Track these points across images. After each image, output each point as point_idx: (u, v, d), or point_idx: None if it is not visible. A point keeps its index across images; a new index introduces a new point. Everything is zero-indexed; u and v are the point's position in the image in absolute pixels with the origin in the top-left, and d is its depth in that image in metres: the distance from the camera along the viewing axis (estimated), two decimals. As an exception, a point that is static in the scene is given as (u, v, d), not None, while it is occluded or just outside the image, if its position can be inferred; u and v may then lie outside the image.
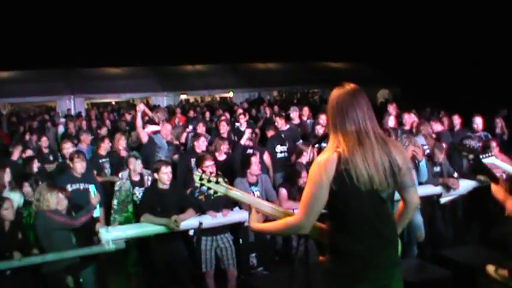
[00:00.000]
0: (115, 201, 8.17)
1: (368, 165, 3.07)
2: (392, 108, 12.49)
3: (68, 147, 9.21)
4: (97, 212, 7.59)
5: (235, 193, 3.67)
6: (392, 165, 3.15)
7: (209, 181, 3.60)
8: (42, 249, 6.74)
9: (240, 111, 14.71)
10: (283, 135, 11.02)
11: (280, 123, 11.37)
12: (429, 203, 8.24)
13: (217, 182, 3.60)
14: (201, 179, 3.61)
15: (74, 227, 6.70)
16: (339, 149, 3.11)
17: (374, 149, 3.12)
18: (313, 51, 32.03)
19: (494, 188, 5.52)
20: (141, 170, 8.44)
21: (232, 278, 7.37)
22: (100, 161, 9.78)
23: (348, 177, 3.06)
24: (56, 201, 6.64)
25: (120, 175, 8.53)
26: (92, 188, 7.28)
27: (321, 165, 3.13)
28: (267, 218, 3.61)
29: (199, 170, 7.37)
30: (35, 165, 8.92)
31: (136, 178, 8.32)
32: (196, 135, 10.06)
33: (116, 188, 8.28)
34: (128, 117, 16.96)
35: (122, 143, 10.14)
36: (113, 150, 10.11)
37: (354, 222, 3.16)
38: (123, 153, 9.96)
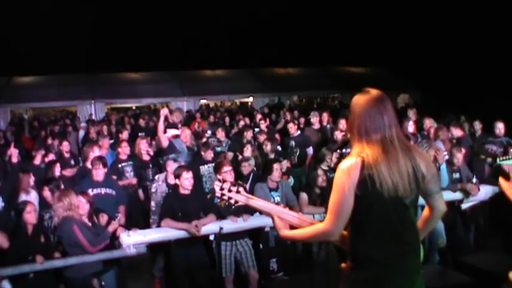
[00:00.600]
0: (153, 203, 8.30)
1: (392, 172, 3.06)
2: (412, 113, 12.42)
3: (95, 152, 9.24)
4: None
5: (256, 202, 3.65)
6: (416, 172, 3.14)
7: (229, 191, 3.60)
8: (63, 253, 6.82)
9: (260, 116, 14.69)
10: (293, 142, 11.02)
11: (293, 129, 11.34)
12: (450, 209, 8.17)
13: (237, 192, 3.60)
14: (221, 189, 3.61)
15: (89, 252, 6.62)
16: (363, 154, 3.11)
17: (398, 156, 3.11)
18: (333, 56, 31.91)
19: (501, 181, 5.46)
20: None
21: (253, 281, 7.37)
22: (120, 165, 9.82)
23: (372, 182, 3.05)
24: (78, 205, 6.72)
25: (156, 177, 8.63)
26: (117, 218, 7.25)
27: (344, 171, 3.12)
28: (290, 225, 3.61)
29: (219, 176, 7.40)
30: (57, 170, 9.00)
31: (172, 181, 8.37)
32: (205, 145, 10.17)
33: (153, 190, 8.40)
34: (142, 122, 16.94)
35: (143, 147, 10.15)
36: (134, 154, 10.15)
37: (376, 228, 3.15)
38: (146, 157, 10.04)
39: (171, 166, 8.45)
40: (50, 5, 31.14)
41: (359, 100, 3.27)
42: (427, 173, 3.19)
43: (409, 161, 3.13)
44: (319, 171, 7.93)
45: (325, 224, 3.23)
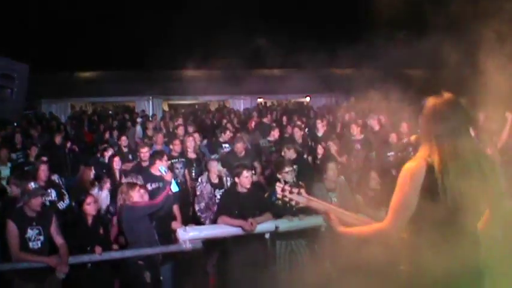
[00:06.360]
0: (201, 205, 8.37)
1: (461, 180, 2.98)
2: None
3: (145, 151, 9.37)
4: (175, 187, 7.69)
5: (316, 203, 3.68)
6: (484, 178, 3.05)
7: (291, 192, 3.62)
8: (121, 245, 6.99)
9: (318, 119, 14.51)
10: (358, 145, 10.84)
11: (357, 131, 11.19)
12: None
13: (299, 193, 3.63)
14: (283, 190, 3.63)
15: (157, 207, 6.92)
16: (429, 159, 3.04)
17: (470, 164, 3.04)
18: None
19: None
20: (220, 172, 8.54)
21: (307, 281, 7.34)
22: (170, 161, 9.78)
23: (435, 189, 2.99)
24: (137, 195, 6.85)
25: (199, 179, 8.68)
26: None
27: (407, 172, 3.08)
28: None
29: (279, 175, 7.42)
30: (116, 163, 9.17)
31: (215, 180, 8.43)
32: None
33: (198, 192, 8.48)
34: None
35: (189, 144, 10.22)
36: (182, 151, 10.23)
37: (436, 234, 3.07)
38: (191, 155, 10.15)
39: (214, 167, 8.53)
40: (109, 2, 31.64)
41: (432, 102, 3.21)
42: (491, 177, 3.11)
43: (479, 167, 3.06)
44: (373, 174, 7.84)
45: (384, 223, 3.19)
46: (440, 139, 3.09)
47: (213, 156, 9.50)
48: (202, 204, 8.28)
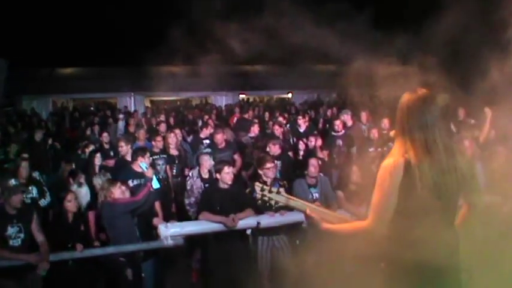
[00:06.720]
0: (190, 200, 8.32)
1: (435, 173, 3.03)
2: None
3: (122, 145, 9.31)
4: (156, 184, 7.71)
5: (296, 203, 3.67)
6: (458, 172, 3.10)
7: (270, 192, 3.62)
8: (103, 242, 6.96)
9: (299, 115, 14.54)
10: (340, 141, 10.89)
11: (340, 127, 11.23)
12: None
13: (278, 192, 3.62)
14: (262, 189, 3.63)
15: (138, 203, 6.92)
16: (406, 155, 3.08)
17: (441, 157, 3.07)
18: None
19: None
20: (210, 167, 8.52)
21: (289, 277, 7.35)
22: (152, 158, 9.74)
23: (414, 184, 3.02)
24: (119, 191, 6.83)
25: (190, 173, 8.65)
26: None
27: (386, 170, 3.10)
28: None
29: (260, 171, 7.41)
30: (97, 160, 9.13)
31: (206, 175, 8.41)
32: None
33: (188, 187, 8.44)
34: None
35: (170, 140, 10.20)
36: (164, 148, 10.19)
37: (417, 227, 3.09)
38: (173, 152, 10.13)
39: (206, 161, 8.51)
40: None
41: (405, 98, 3.25)
42: (467, 173, 3.16)
43: (452, 162, 3.09)
44: (354, 168, 7.86)
45: (367, 222, 3.20)
46: (413, 134, 3.13)
47: (205, 151, 9.45)
48: (192, 199, 8.21)
